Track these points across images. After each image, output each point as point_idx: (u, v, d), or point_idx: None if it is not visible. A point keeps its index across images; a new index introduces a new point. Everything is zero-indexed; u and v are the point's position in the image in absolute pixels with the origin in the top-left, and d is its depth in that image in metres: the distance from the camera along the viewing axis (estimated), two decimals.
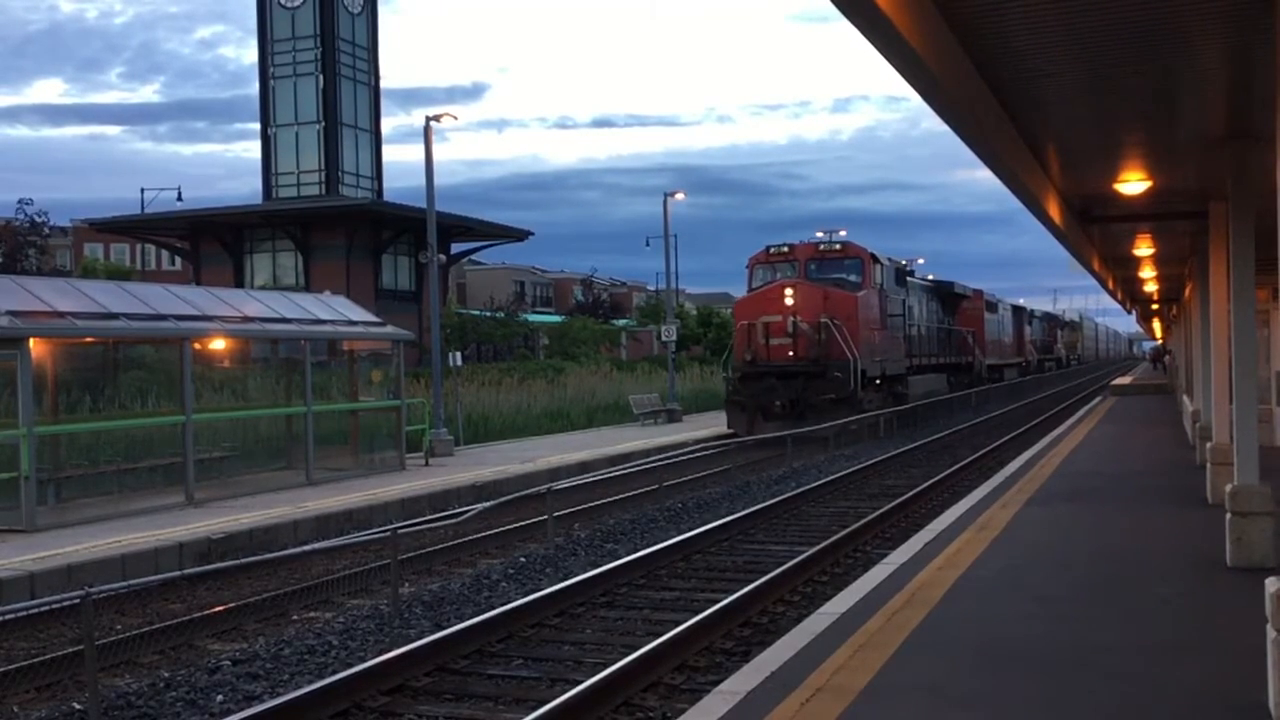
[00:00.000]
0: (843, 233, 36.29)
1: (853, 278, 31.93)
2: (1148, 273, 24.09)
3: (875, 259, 32.87)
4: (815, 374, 29.23)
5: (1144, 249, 18.78)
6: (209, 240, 47.32)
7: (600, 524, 16.56)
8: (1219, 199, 11.57)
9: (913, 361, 36.27)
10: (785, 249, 32.54)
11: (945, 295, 44.39)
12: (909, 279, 38.38)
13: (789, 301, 29.82)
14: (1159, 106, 8.58)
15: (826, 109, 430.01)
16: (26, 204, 42.72)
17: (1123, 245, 18.62)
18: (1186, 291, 24.74)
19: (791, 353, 29.62)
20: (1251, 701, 5.86)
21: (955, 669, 6.81)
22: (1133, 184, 11.51)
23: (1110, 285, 27.90)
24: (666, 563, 13.08)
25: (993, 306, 53.27)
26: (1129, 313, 49.89)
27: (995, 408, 43.23)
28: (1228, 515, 9.54)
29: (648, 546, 13.76)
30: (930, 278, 45.19)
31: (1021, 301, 68.23)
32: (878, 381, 32.05)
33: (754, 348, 30.10)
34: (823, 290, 30.34)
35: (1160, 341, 65.36)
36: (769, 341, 29.87)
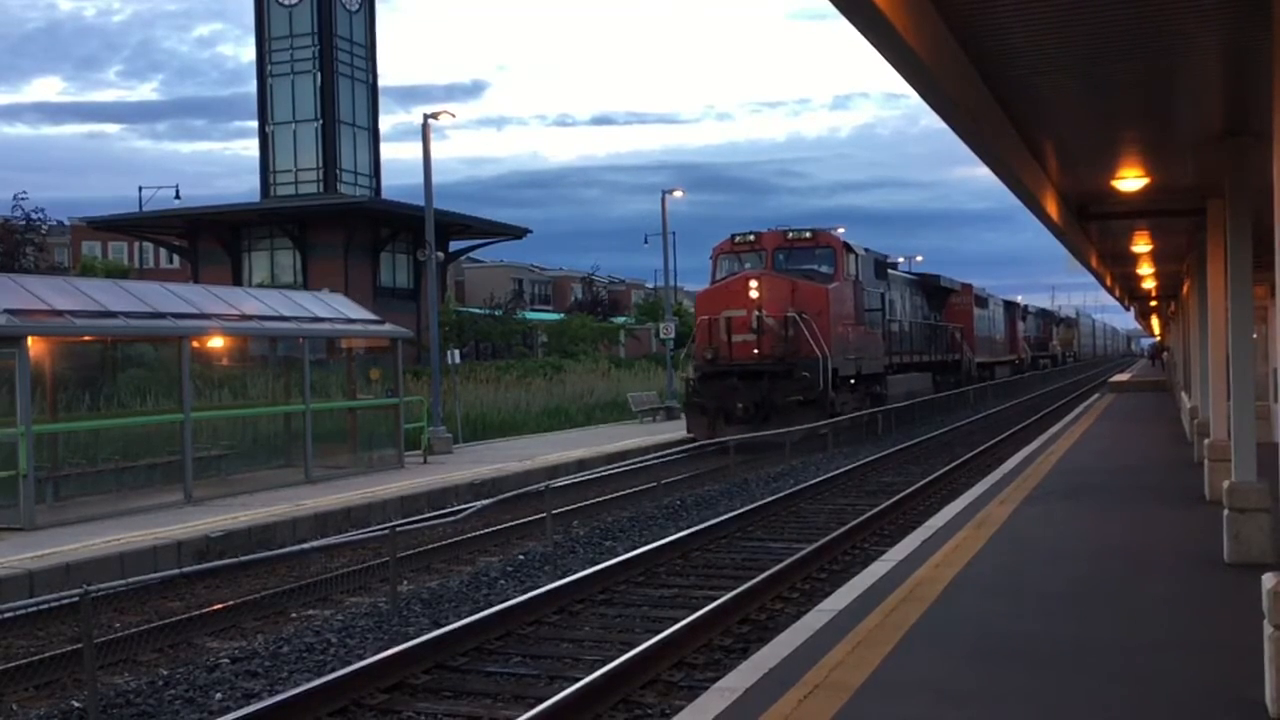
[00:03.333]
0: (841, 230, 35.76)
1: (824, 269, 29.53)
2: (1145, 269, 24.09)
3: (849, 248, 30.68)
4: (781, 373, 26.90)
5: (1142, 246, 18.79)
6: (207, 238, 47.24)
7: (599, 521, 16.57)
8: (1216, 196, 11.58)
9: (893, 359, 34.14)
10: (751, 237, 30.16)
11: (931, 289, 42.33)
12: (890, 271, 36.27)
13: (754, 294, 27.43)
14: (1156, 103, 8.59)
15: (826, 106, 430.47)
16: (22, 198, 42.54)
17: (1120, 242, 18.63)
18: (1184, 288, 24.76)
19: (756, 350, 27.27)
20: (1249, 697, 5.87)
21: (953, 666, 6.82)
22: (1130, 181, 11.51)
23: (1108, 282, 27.91)
24: (665, 560, 13.09)
25: (983, 302, 51.25)
26: (1127, 310, 49.87)
27: (992, 406, 43.22)
28: (1225, 512, 9.55)
29: (646, 544, 13.78)
30: (933, 274, 43.98)
31: (1020, 299, 67.96)
32: (852, 381, 29.82)
33: (715, 345, 27.69)
34: (791, 282, 28.05)
35: (1158, 338, 65.37)
36: (731, 338, 27.46)
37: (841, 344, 28.78)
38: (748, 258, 29.90)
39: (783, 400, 26.66)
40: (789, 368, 26.97)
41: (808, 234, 30.21)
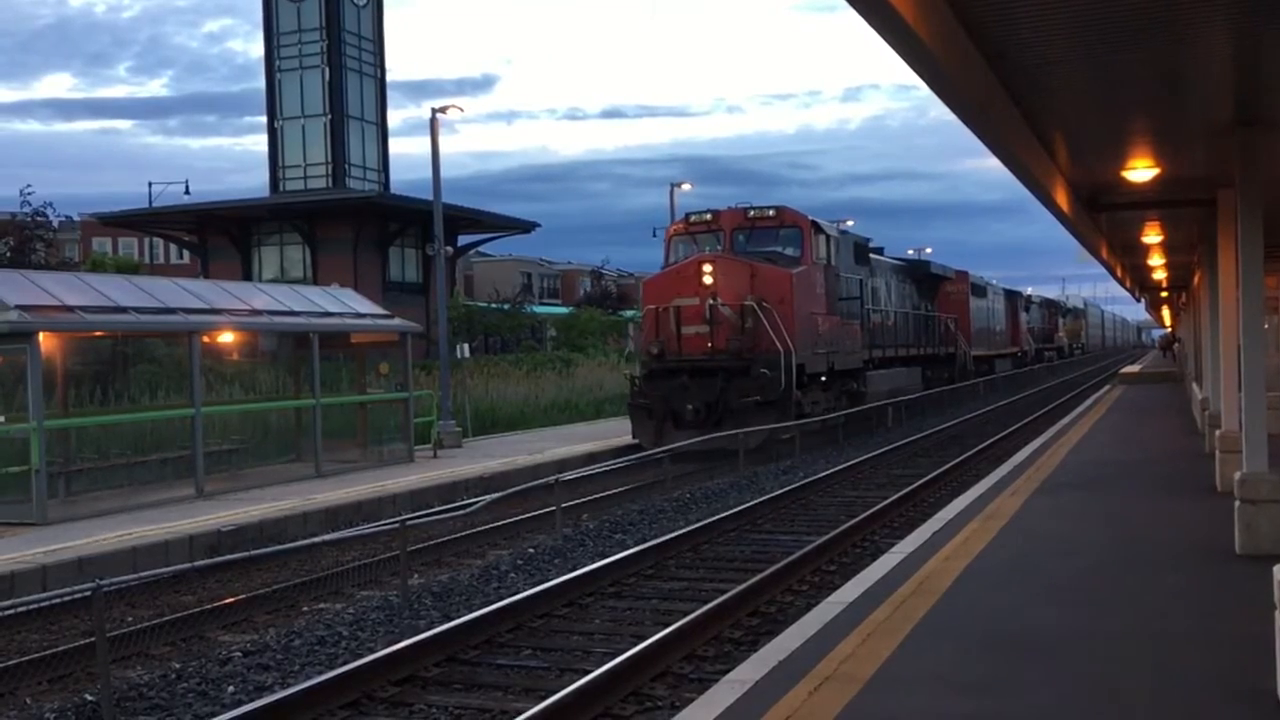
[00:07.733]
0: (850, 223, 35.16)
1: (789, 251, 25.77)
2: (1156, 260, 24.04)
3: (819, 228, 26.71)
4: (738, 371, 23.54)
5: (1152, 236, 18.73)
6: (217, 234, 47.39)
7: (608, 515, 16.57)
8: (1227, 186, 11.54)
9: (874, 354, 30.61)
10: (708, 216, 26.48)
11: (921, 277, 38.85)
12: (874, 257, 32.99)
13: (707, 280, 23.99)
14: (1166, 93, 8.55)
15: (836, 98, 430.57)
16: (28, 193, 42.66)
17: (1131, 233, 18.57)
18: (1195, 279, 24.68)
19: (709, 344, 23.94)
20: (1259, 688, 5.87)
21: (963, 657, 6.82)
22: (1140, 171, 11.47)
23: (1119, 273, 27.84)
24: (674, 553, 13.09)
25: (980, 290, 47.76)
26: (1138, 300, 49.66)
27: (1000, 399, 43.07)
28: (1236, 503, 9.54)
29: (656, 537, 13.78)
30: (923, 260, 41.91)
31: (1029, 290, 67.38)
32: (823, 379, 26.33)
33: (663, 338, 24.29)
34: (750, 266, 24.56)
35: (1169, 329, 65.11)
36: (681, 330, 24.11)
37: (809, 337, 25.26)
38: (704, 239, 26.38)
39: (738, 401, 23.28)
40: (746, 364, 23.67)
41: (770, 212, 26.43)
